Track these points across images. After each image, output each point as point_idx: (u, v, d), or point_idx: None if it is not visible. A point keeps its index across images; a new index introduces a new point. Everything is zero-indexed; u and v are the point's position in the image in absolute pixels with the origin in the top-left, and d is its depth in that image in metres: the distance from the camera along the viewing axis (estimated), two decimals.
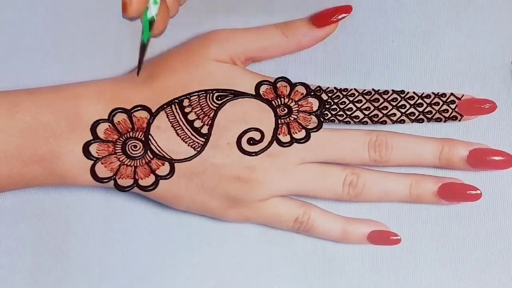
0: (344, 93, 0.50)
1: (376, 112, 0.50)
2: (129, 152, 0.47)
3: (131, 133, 0.48)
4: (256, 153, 0.48)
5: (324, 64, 0.52)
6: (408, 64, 0.52)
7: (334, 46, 0.52)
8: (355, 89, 0.51)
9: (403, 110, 0.50)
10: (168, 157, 0.47)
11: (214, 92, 0.49)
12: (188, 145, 0.48)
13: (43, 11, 0.52)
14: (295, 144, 0.48)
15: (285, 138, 0.49)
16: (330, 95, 0.50)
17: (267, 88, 0.50)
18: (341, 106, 0.50)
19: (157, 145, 0.47)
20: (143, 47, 0.45)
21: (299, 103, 0.50)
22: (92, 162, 0.47)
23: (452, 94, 0.51)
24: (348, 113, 0.50)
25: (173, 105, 0.48)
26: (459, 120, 0.50)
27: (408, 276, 0.50)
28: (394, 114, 0.50)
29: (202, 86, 0.49)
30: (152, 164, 0.47)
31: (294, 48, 0.51)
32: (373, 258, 0.50)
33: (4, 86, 0.50)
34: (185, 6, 0.48)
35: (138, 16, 0.43)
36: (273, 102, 0.49)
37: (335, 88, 0.51)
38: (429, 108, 0.50)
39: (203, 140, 0.48)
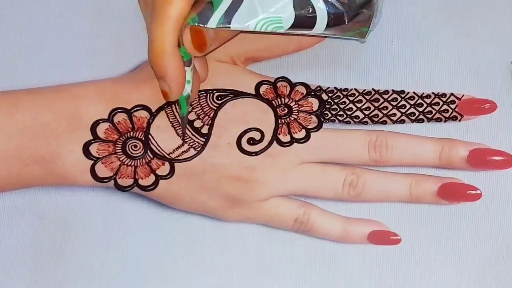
0: (344, 93, 0.50)
1: (376, 112, 0.50)
2: (129, 152, 0.47)
3: (131, 133, 0.48)
4: (256, 153, 0.48)
5: (324, 64, 0.52)
6: (408, 64, 0.52)
7: (334, 46, 0.52)
8: (355, 89, 0.51)
9: (403, 110, 0.50)
10: (168, 157, 0.47)
11: (214, 92, 0.49)
12: (188, 145, 0.48)
13: (43, 11, 0.52)
14: (295, 144, 0.48)
15: (285, 138, 0.49)
16: (330, 95, 0.50)
17: (267, 88, 0.50)
18: (341, 106, 0.50)
19: (157, 145, 0.47)
20: (184, 120, 0.47)
21: (299, 103, 0.50)
22: (92, 162, 0.47)
23: (452, 94, 0.51)
24: (348, 113, 0.50)
25: (173, 105, 0.48)
26: (459, 120, 0.50)
27: (408, 276, 0.50)
28: (394, 114, 0.50)
29: (202, 86, 0.49)
30: (152, 164, 0.47)
31: (294, 48, 0.51)
32: (373, 258, 0.50)
33: (4, 86, 0.50)
34: None
35: None
36: (273, 102, 0.49)
37: (335, 88, 0.51)
38: (429, 108, 0.50)
39: (203, 140, 0.48)
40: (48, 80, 0.51)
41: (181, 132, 0.47)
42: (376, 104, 0.50)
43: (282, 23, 0.44)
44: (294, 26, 0.44)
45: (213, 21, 0.43)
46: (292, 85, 0.50)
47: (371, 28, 0.47)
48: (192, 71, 0.45)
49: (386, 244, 0.50)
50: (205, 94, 0.49)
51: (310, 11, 0.44)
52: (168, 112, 0.48)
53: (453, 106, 0.50)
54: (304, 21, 0.44)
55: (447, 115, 0.50)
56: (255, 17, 0.44)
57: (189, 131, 0.48)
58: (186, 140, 0.48)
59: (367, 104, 0.50)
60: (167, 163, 0.47)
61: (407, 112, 0.50)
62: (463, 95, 0.51)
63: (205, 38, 0.43)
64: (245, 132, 0.48)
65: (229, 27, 0.43)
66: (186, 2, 0.43)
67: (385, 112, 0.50)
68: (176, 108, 0.48)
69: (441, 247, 0.50)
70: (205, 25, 0.43)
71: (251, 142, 0.48)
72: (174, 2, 0.43)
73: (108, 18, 0.53)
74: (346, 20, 0.45)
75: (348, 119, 0.50)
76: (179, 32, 0.43)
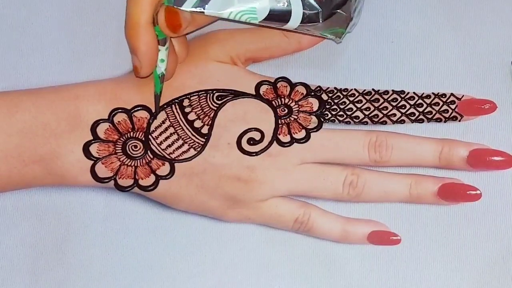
0: (344, 93, 0.50)
1: (376, 112, 0.50)
2: (129, 152, 0.47)
3: (131, 133, 0.48)
4: (256, 153, 0.48)
5: (324, 64, 0.52)
6: (408, 64, 0.52)
7: (334, 46, 0.52)
8: (355, 89, 0.51)
9: (403, 110, 0.50)
10: (168, 157, 0.47)
11: (214, 92, 0.49)
12: (188, 145, 0.48)
13: (43, 11, 0.52)
14: (295, 144, 0.48)
15: (285, 138, 0.49)
16: (330, 95, 0.50)
17: (267, 88, 0.50)
18: (341, 106, 0.50)
19: (157, 145, 0.47)
20: (157, 97, 0.47)
21: (299, 103, 0.50)
22: (92, 162, 0.47)
23: (452, 94, 0.51)
24: (348, 113, 0.50)
25: (173, 105, 0.48)
26: (459, 121, 0.51)
27: (408, 276, 0.50)
28: (394, 115, 0.50)
29: (202, 86, 0.49)
30: (152, 164, 0.47)
31: (294, 48, 0.51)
32: (373, 258, 0.50)
33: (4, 86, 0.50)
34: None
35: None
36: (273, 102, 0.49)
37: (335, 88, 0.51)
38: (429, 109, 0.50)
39: (203, 140, 0.48)
40: (48, 80, 0.51)
41: (182, 132, 0.48)
42: (376, 104, 0.50)
43: (256, 14, 0.45)
44: (268, 19, 0.45)
45: (188, 4, 0.44)
46: (292, 85, 0.50)
47: (348, 29, 0.47)
48: (168, 50, 0.46)
49: (386, 244, 0.50)
50: (205, 94, 0.49)
51: (286, 5, 0.45)
52: (168, 112, 0.48)
53: (453, 106, 0.50)
54: (278, 15, 0.45)
55: (447, 115, 0.50)
56: (230, 6, 0.44)
57: (189, 131, 0.48)
58: (186, 140, 0.48)
59: (367, 104, 0.50)
60: (167, 163, 0.47)
61: (407, 112, 0.50)
62: (463, 96, 0.51)
63: (180, 20, 0.44)
64: (245, 132, 0.48)
65: (203, 12, 0.44)
66: None
67: (385, 112, 0.50)
68: (176, 108, 0.48)
69: (441, 247, 0.50)
70: (179, 7, 0.44)
71: (251, 142, 0.48)
72: None
73: (108, 18, 0.53)
74: (321, 19, 0.46)
75: (348, 119, 0.50)
76: (155, 10, 0.44)
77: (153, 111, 0.48)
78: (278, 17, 0.45)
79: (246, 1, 0.44)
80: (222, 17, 0.45)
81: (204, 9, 0.44)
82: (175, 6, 0.44)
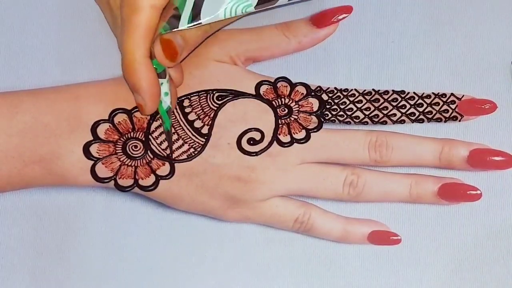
0: (345, 93, 0.50)
1: (376, 112, 0.50)
2: (129, 152, 0.47)
3: (131, 133, 0.48)
4: (256, 153, 0.48)
5: (324, 64, 0.52)
6: (408, 64, 0.52)
7: (334, 46, 0.52)
8: (355, 90, 0.51)
9: (403, 110, 0.50)
10: (169, 157, 0.47)
11: (214, 92, 0.49)
12: (189, 145, 0.48)
13: (44, 11, 0.52)
14: (295, 144, 0.49)
15: (285, 138, 0.49)
16: (330, 95, 0.50)
17: (267, 88, 0.50)
18: (342, 107, 0.50)
19: (158, 145, 0.47)
20: (169, 134, 0.47)
21: (300, 103, 0.50)
22: (93, 162, 0.47)
23: (452, 94, 0.51)
24: (349, 113, 0.50)
25: None
26: (459, 120, 0.51)
27: (408, 276, 0.50)
28: (394, 114, 0.50)
29: (202, 86, 0.49)
30: (153, 164, 0.47)
31: (294, 48, 0.51)
32: (373, 258, 0.50)
33: (5, 86, 0.50)
34: None
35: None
36: (273, 102, 0.49)
37: (335, 88, 0.51)
38: (429, 108, 0.50)
39: (204, 140, 0.48)
40: (48, 81, 0.51)
41: (182, 132, 0.48)
42: (376, 104, 0.50)
43: (250, 0, 0.44)
44: (261, 1, 0.45)
45: (183, 22, 0.43)
46: (292, 85, 0.50)
47: None
48: (169, 82, 0.46)
49: (386, 244, 0.50)
50: (205, 94, 0.49)
51: None
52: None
53: (453, 106, 0.50)
54: None
55: (447, 115, 0.50)
56: (222, 4, 0.44)
57: (189, 131, 0.48)
58: (186, 140, 0.48)
59: (367, 104, 0.50)
60: (167, 163, 0.47)
61: (407, 112, 0.50)
62: (463, 95, 0.51)
63: (175, 47, 0.44)
64: (245, 132, 0.48)
65: (201, 23, 0.44)
66: (154, 9, 0.43)
67: (385, 112, 0.50)
68: (176, 109, 0.48)
69: (441, 247, 0.50)
70: (177, 28, 0.43)
71: (251, 142, 0.48)
72: (140, 11, 0.43)
73: None
74: None
75: (348, 119, 0.50)
76: (150, 43, 0.43)
77: (168, 149, 0.47)
78: None
79: None
80: (218, 19, 0.44)
81: (200, 19, 0.43)
82: (172, 30, 0.43)
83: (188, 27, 0.43)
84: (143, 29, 0.43)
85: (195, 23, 0.43)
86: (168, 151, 0.47)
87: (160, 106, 0.46)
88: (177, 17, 0.43)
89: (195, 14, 0.43)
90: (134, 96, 0.45)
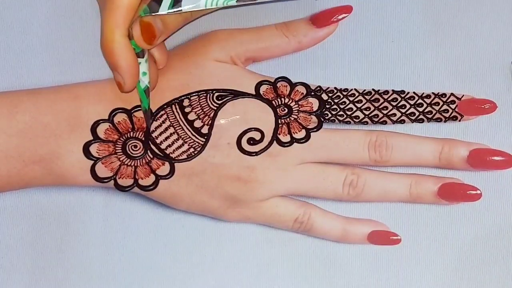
0: (344, 93, 0.50)
1: (376, 112, 0.50)
2: (129, 152, 0.47)
3: (131, 133, 0.48)
4: (256, 153, 0.48)
5: (324, 64, 0.52)
6: (408, 64, 0.52)
7: (334, 46, 0.52)
8: (355, 89, 0.51)
9: (403, 110, 0.50)
10: (168, 157, 0.47)
11: (214, 92, 0.49)
12: (188, 145, 0.48)
13: (44, 11, 0.52)
14: (295, 144, 0.48)
15: (285, 138, 0.49)
16: (330, 95, 0.50)
17: (267, 88, 0.50)
18: (341, 106, 0.50)
19: (157, 145, 0.47)
20: (146, 113, 0.47)
21: (299, 103, 0.50)
22: (92, 162, 0.47)
23: (452, 94, 0.51)
24: (348, 113, 0.50)
25: (173, 105, 0.48)
26: (459, 120, 0.51)
27: (408, 276, 0.50)
28: (394, 114, 0.50)
29: (202, 86, 0.49)
30: (152, 164, 0.47)
31: (294, 48, 0.51)
32: (373, 258, 0.50)
33: (5, 86, 0.50)
34: None
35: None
36: (273, 102, 0.49)
37: (335, 88, 0.51)
38: (429, 108, 0.50)
39: (203, 140, 0.48)
40: (48, 81, 0.51)
41: (182, 132, 0.48)
42: (376, 104, 0.50)
43: None
44: None
45: (164, 7, 0.43)
46: (292, 85, 0.50)
47: None
48: (148, 62, 0.46)
49: (386, 244, 0.50)
50: (205, 94, 0.49)
51: None
52: (168, 112, 0.48)
53: (453, 106, 0.50)
54: None
55: (447, 115, 0.50)
56: None
57: (189, 131, 0.48)
58: (186, 140, 0.48)
59: (367, 104, 0.50)
60: (167, 163, 0.47)
61: (407, 112, 0.50)
62: (463, 95, 0.51)
63: (154, 30, 0.44)
64: (245, 132, 0.48)
65: (181, 10, 0.43)
66: None
67: (385, 112, 0.50)
68: (176, 108, 0.48)
69: (441, 247, 0.50)
70: (157, 13, 0.43)
71: (251, 142, 0.48)
72: None
73: None
74: None
75: (348, 119, 0.50)
76: (130, 23, 0.43)
77: (146, 125, 0.47)
78: None
79: None
80: (199, 8, 0.44)
81: (181, 6, 0.43)
82: (152, 14, 0.43)
83: (168, 12, 0.43)
84: (124, 9, 0.43)
85: (175, 9, 0.43)
86: (167, 150, 0.47)
87: (138, 85, 0.46)
88: (158, 1, 0.43)
89: (177, 0, 0.43)
90: (113, 75, 0.45)
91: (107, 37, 0.43)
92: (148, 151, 0.47)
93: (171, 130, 0.48)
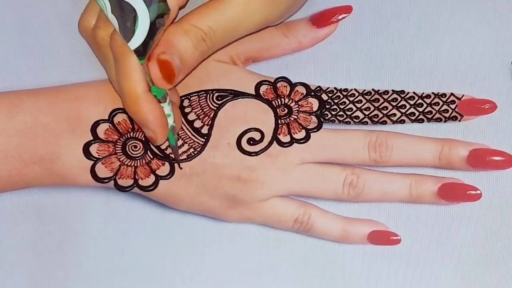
0: (344, 93, 0.50)
1: (376, 112, 0.50)
2: (129, 152, 0.47)
3: (131, 133, 0.48)
4: (256, 153, 0.48)
5: (324, 64, 0.52)
6: (408, 64, 0.52)
7: (334, 46, 0.52)
8: (355, 89, 0.51)
9: (403, 110, 0.50)
10: (168, 158, 0.47)
11: (214, 92, 0.49)
12: (188, 145, 0.48)
13: (44, 12, 0.52)
14: (295, 144, 0.48)
15: (285, 138, 0.49)
16: (330, 95, 0.50)
17: (267, 88, 0.50)
18: (341, 107, 0.50)
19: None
20: (175, 148, 0.47)
21: (299, 103, 0.50)
22: (92, 162, 0.47)
23: (452, 94, 0.51)
24: (348, 113, 0.50)
25: None
26: (459, 120, 0.50)
27: (408, 276, 0.50)
28: (394, 114, 0.50)
29: (202, 86, 0.49)
30: (152, 164, 0.47)
31: (294, 48, 0.51)
32: (373, 258, 0.50)
33: (5, 87, 0.50)
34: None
35: None
36: (273, 102, 0.49)
37: (335, 88, 0.51)
38: (429, 108, 0.50)
39: (203, 140, 0.48)
40: (48, 81, 0.51)
41: (182, 132, 0.48)
42: (376, 104, 0.50)
43: None
44: None
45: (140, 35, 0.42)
46: (292, 85, 0.50)
47: None
48: (170, 103, 0.45)
49: (386, 244, 0.50)
50: (204, 94, 0.49)
51: None
52: None
53: (453, 106, 0.50)
54: None
55: (447, 115, 0.50)
56: None
57: (189, 131, 0.48)
58: (186, 141, 0.48)
59: (367, 104, 0.50)
60: (167, 164, 0.47)
61: (407, 112, 0.50)
62: (463, 95, 0.51)
63: (173, 67, 0.43)
64: (245, 132, 0.48)
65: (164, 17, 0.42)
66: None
67: (385, 112, 0.50)
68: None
69: (441, 247, 0.50)
70: (131, 40, 0.42)
71: (251, 142, 0.48)
72: (131, 51, 0.42)
73: None
74: None
75: (348, 119, 0.50)
76: (145, 75, 0.43)
77: (175, 158, 0.47)
78: None
79: None
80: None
81: (162, 17, 0.42)
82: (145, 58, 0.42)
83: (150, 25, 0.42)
84: (138, 68, 0.43)
85: (160, 23, 0.42)
86: (167, 151, 0.47)
87: None
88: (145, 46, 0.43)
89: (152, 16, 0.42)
90: (144, 131, 0.45)
91: (131, 98, 0.43)
92: (148, 151, 0.48)
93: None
